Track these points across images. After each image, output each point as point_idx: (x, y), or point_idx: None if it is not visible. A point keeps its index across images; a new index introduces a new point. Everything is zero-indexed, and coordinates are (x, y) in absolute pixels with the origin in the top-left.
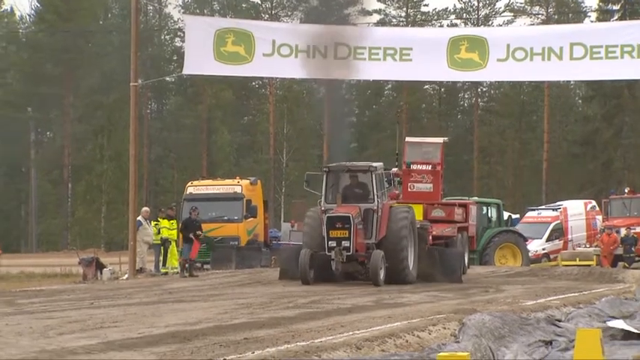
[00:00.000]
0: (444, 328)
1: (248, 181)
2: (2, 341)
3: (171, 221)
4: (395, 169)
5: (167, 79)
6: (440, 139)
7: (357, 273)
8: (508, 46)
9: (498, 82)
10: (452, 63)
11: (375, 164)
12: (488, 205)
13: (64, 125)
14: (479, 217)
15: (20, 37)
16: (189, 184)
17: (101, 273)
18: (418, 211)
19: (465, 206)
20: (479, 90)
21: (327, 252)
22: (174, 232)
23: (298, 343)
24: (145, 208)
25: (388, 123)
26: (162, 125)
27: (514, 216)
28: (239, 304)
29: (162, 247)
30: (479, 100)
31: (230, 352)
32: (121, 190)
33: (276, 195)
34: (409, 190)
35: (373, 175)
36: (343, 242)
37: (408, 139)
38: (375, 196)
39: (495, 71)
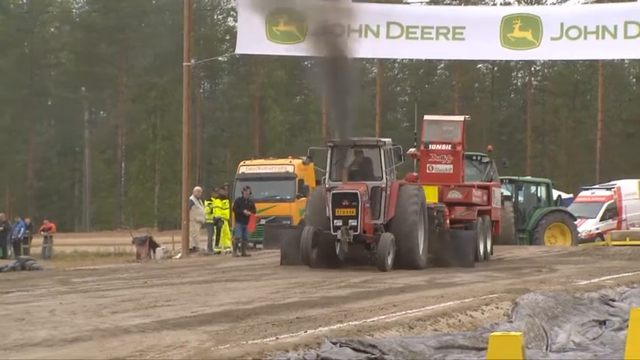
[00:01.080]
0: (497, 308)
1: (300, 160)
2: (57, 320)
3: (224, 201)
4: (413, 150)
5: (220, 58)
6: (461, 117)
7: (360, 257)
8: (562, 24)
9: (552, 60)
10: (505, 42)
11: (383, 139)
12: (537, 184)
13: (118, 105)
14: (528, 197)
15: (74, 18)
16: (242, 163)
17: (154, 252)
18: (433, 192)
19: (487, 188)
20: (532, 69)
21: (332, 232)
22: (227, 211)
23: (350, 323)
24: (198, 188)
25: (441, 102)
26: (214, 105)
27: (565, 195)
28: (291, 283)
29: (214, 227)
30: (532, 79)
31: (282, 331)
32: (173, 170)
33: None
34: (428, 171)
35: (382, 151)
36: (350, 221)
37: (426, 117)
38: (384, 174)
39: (549, 50)
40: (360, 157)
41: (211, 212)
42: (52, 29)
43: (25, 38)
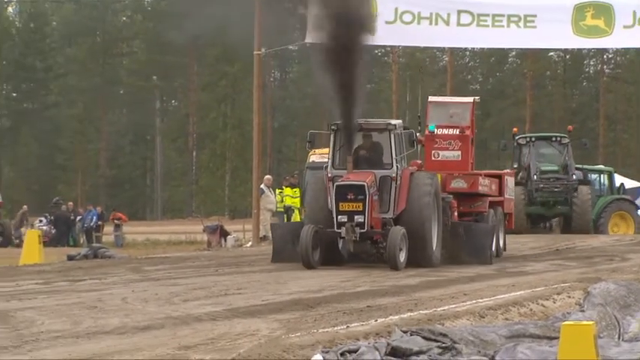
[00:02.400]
0: (569, 297)
1: None
2: (129, 308)
3: (294, 189)
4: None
5: (290, 47)
6: (469, 99)
7: (365, 254)
8: (634, 12)
9: (624, 48)
10: (577, 30)
11: (393, 121)
12: (600, 172)
13: (189, 94)
14: (591, 186)
15: (146, 6)
16: (312, 152)
17: (225, 240)
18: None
19: (497, 177)
20: (604, 57)
21: (335, 229)
22: (298, 200)
23: (421, 311)
24: (268, 176)
25: (512, 91)
26: (285, 93)
27: (630, 184)
28: (362, 272)
29: (285, 215)
30: (604, 67)
31: (353, 319)
32: (244, 158)
33: None
34: (433, 158)
35: (392, 135)
36: (356, 217)
37: (431, 98)
38: (394, 161)
39: (621, 38)
40: (367, 141)
41: (282, 201)
42: (124, 18)
43: (97, 27)
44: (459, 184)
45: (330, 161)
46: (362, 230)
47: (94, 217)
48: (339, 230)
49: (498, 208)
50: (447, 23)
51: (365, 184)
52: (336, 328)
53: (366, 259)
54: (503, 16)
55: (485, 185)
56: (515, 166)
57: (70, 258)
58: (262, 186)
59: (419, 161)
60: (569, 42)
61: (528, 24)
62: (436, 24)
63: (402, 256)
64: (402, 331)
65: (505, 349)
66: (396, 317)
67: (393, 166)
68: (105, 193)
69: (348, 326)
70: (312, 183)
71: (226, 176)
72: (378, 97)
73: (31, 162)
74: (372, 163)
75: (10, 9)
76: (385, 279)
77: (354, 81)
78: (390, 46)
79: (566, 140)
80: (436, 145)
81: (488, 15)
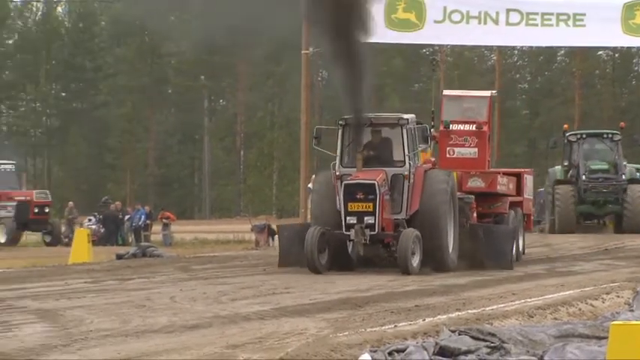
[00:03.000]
0: (618, 297)
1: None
2: (177, 307)
3: None
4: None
5: None
6: (486, 92)
7: (377, 258)
8: None
9: None
10: (626, 28)
11: (405, 116)
12: None
13: (237, 93)
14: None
15: (194, 6)
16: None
17: (273, 239)
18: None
19: (516, 176)
20: None
21: (344, 231)
22: None
23: (469, 311)
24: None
25: (560, 90)
26: (332, 93)
27: None
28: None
29: None
30: None
31: (401, 319)
32: (292, 158)
33: None
34: (448, 155)
35: (404, 131)
36: (366, 218)
37: (445, 92)
38: (407, 158)
39: None
40: (377, 137)
41: None
42: (172, 17)
43: (146, 27)
44: (476, 184)
45: (338, 158)
46: (372, 232)
47: (143, 216)
48: (347, 232)
49: (518, 209)
50: (496, 22)
51: (375, 182)
52: (383, 328)
53: (378, 263)
54: (552, 14)
55: (503, 184)
56: (566, 163)
57: (119, 257)
58: (310, 185)
59: (433, 159)
60: (618, 40)
61: (577, 22)
62: (485, 23)
63: (415, 260)
64: (450, 330)
65: (554, 348)
66: (444, 317)
67: (405, 163)
68: (153, 192)
69: (395, 325)
70: (320, 182)
71: (274, 175)
72: (426, 96)
73: (80, 161)
74: (383, 160)
75: (59, 9)
76: (433, 278)
77: (361, 73)
78: (438, 45)
79: (618, 137)
80: (451, 142)
81: (537, 14)
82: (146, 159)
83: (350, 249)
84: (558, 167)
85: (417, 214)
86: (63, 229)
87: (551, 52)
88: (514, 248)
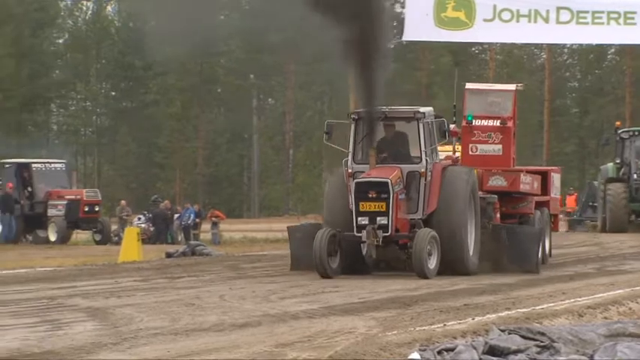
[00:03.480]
0: None
1: None
2: (226, 305)
3: None
4: (452, 126)
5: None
6: (511, 86)
7: (395, 261)
8: None
9: None
10: None
11: (422, 109)
12: None
13: (286, 92)
14: None
15: (243, 5)
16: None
17: None
18: None
19: (542, 174)
20: None
21: (355, 232)
22: None
23: (519, 310)
24: None
25: (611, 88)
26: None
27: None
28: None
29: None
30: None
31: (450, 318)
32: (340, 157)
33: None
34: (470, 152)
35: (421, 125)
36: (379, 219)
37: (468, 85)
38: (423, 154)
39: None
40: (392, 132)
41: None
42: (222, 17)
43: (196, 27)
44: (497, 182)
45: (350, 155)
46: (385, 234)
47: (192, 215)
48: (359, 234)
49: (544, 210)
50: (546, 20)
51: (389, 180)
52: (433, 327)
53: (396, 266)
54: (603, 12)
55: (527, 183)
56: (618, 161)
57: (169, 255)
58: None
59: (455, 155)
60: None
61: (628, 21)
62: (535, 21)
63: (433, 262)
64: (499, 329)
65: (604, 348)
66: (494, 316)
67: (422, 160)
68: (203, 191)
69: (445, 324)
70: (332, 180)
71: (323, 174)
72: None
73: (129, 160)
74: (399, 156)
75: (109, 8)
76: (483, 277)
77: (376, 64)
78: (488, 43)
79: None
80: (474, 138)
81: (587, 12)
82: (195, 158)
83: (364, 252)
84: (610, 165)
85: (435, 214)
86: (114, 227)
87: (601, 50)
88: (540, 250)
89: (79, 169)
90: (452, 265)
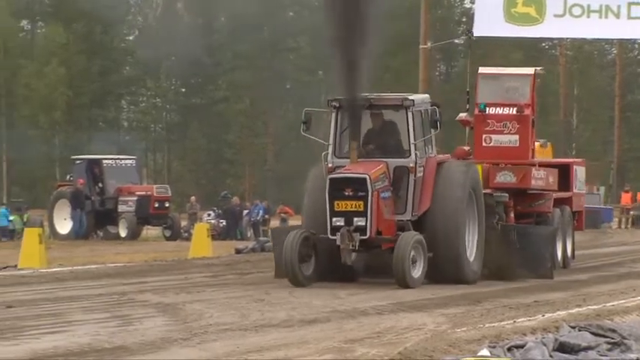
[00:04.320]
0: None
1: (538, 143)
2: (295, 301)
3: None
4: (464, 115)
5: (456, 41)
6: (529, 70)
7: (380, 266)
8: None
9: None
10: None
11: (412, 96)
12: None
13: None
14: None
15: (312, 2)
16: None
17: None
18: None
19: (562, 168)
20: None
21: (329, 235)
22: None
23: (589, 307)
24: None
25: None
26: (450, 87)
27: None
28: None
29: None
30: None
31: (520, 314)
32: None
33: (566, 157)
34: (484, 144)
35: (409, 114)
36: (355, 220)
37: (481, 69)
38: (412, 147)
39: None
40: (380, 122)
41: None
42: (291, 13)
43: (265, 22)
44: (505, 178)
45: (330, 148)
46: (363, 237)
47: (261, 211)
48: (333, 237)
49: (565, 207)
50: (617, 16)
51: (367, 176)
52: (502, 323)
53: (381, 271)
54: None
55: (539, 179)
56: None
57: (238, 251)
58: None
59: (466, 147)
60: None
61: None
62: (606, 17)
63: (417, 271)
64: (569, 326)
65: None
66: (564, 312)
67: (411, 153)
68: (272, 187)
69: (514, 321)
70: (314, 177)
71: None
72: (546, 90)
73: (199, 156)
74: (386, 149)
75: (178, 4)
76: (566, 273)
77: (359, 42)
78: (558, 39)
79: None
80: (488, 128)
81: None
82: (265, 154)
83: (343, 258)
84: None
85: (428, 215)
86: (184, 223)
87: None
88: (555, 253)
89: (149, 165)
90: (447, 272)
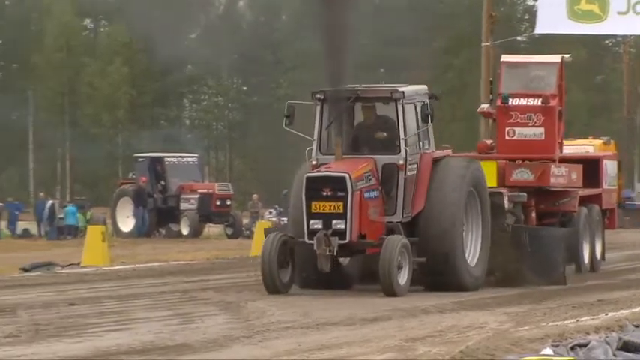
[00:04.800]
0: None
1: (601, 140)
2: (357, 299)
3: None
4: (485, 106)
5: (518, 38)
6: (555, 57)
7: (369, 273)
8: None
9: None
10: None
11: (403, 87)
12: None
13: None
14: None
15: (375, 0)
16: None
17: None
18: (492, 171)
19: (590, 163)
20: None
21: (306, 238)
22: None
23: None
24: None
25: None
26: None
27: None
28: None
29: None
30: None
31: (583, 313)
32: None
33: (629, 155)
34: (507, 137)
35: (399, 107)
36: (334, 222)
37: (504, 57)
38: (402, 143)
39: None
40: (373, 116)
41: None
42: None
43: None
44: (522, 176)
45: (315, 144)
46: (342, 241)
47: None
48: (310, 241)
49: (593, 206)
50: None
51: (346, 175)
52: (565, 322)
53: (369, 278)
54: None
55: (560, 176)
56: None
57: None
58: None
59: (489, 141)
60: None
61: None
62: None
63: (403, 277)
64: (633, 325)
65: None
66: (627, 311)
67: (400, 149)
68: None
69: (577, 320)
70: (298, 177)
71: None
72: (609, 87)
73: (260, 155)
74: (375, 145)
75: (240, 2)
76: (615, 274)
77: (345, 29)
78: (622, 36)
79: None
80: (511, 120)
81: None
82: None
83: (319, 265)
84: None
85: (422, 216)
86: (246, 221)
87: None
88: (582, 254)
89: (210, 163)
90: (443, 278)
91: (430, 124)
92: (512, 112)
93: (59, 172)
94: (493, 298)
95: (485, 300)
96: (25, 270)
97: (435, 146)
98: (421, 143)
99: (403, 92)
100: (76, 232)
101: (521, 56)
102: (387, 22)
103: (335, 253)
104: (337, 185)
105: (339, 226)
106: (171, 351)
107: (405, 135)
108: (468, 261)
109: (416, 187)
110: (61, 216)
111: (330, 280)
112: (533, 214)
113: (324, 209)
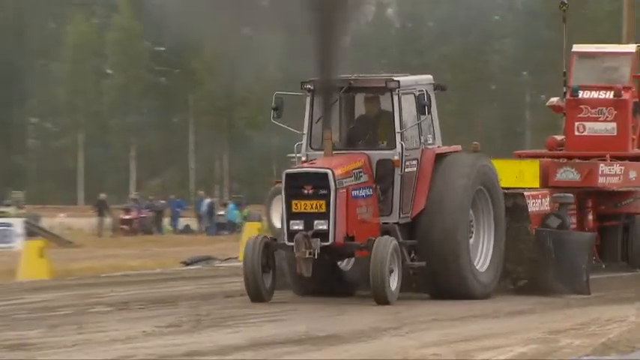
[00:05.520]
0: None
1: None
2: (504, 294)
3: None
4: (555, 100)
5: None
6: (630, 47)
7: (363, 278)
8: None
9: None
10: None
11: (399, 77)
12: None
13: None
14: None
15: (517, 5)
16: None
17: None
18: (534, 170)
19: None
20: None
21: (286, 240)
22: None
23: None
24: None
25: None
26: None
27: None
28: None
29: None
30: None
31: None
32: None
33: None
34: (577, 133)
35: (394, 98)
36: (316, 223)
37: (575, 47)
38: (398, 137)
39: None
40: (376, 109)
41: None
42: (496, 17)
43: (472, 27)
44: (567, 176)
45: (305, 138)
46: (325, 243)
47: None
48: (290, 243)
49: None
50: None
51: (329, 172)
52: None
53: (363, 284)
54: None
55: (612, 175)
56: None
57: None
58: None
59: (559, 137)
60: None
61: None
62: None
63: (394, 282)
64: None
65: None
66: None
67: (395, 144)
68: None
69: None
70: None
71: None
72: None
73: None
74: (370, 140)
75: (389, 10)
76: None
77: (335, 14)
78: None
79: None
80: (581, 115)
81: None
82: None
83: (298, 268)
84: None
85: (423, 217)
86: None
87: None
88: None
89: None
90: (447, 285)
91: (435, 117)
92: (582, 106)
93: (217, 171)
94: (637, 291)
95: (628, 294)
96: (186, 264)
97: (441, 141)
98: (423, 137)
99: (398, 82)
100: (233, 228)
101: (594, 45)
102: (532, 26)
103: (316, 256)
104: (319, 182)
105: (321, 227)
106: (323, 341)
107: (401, 128)
108: (478, 267)
109: (416, 185)
110: (221, 212)
111: (331, 287)
112: (590, 216)
113: (305, 208)
